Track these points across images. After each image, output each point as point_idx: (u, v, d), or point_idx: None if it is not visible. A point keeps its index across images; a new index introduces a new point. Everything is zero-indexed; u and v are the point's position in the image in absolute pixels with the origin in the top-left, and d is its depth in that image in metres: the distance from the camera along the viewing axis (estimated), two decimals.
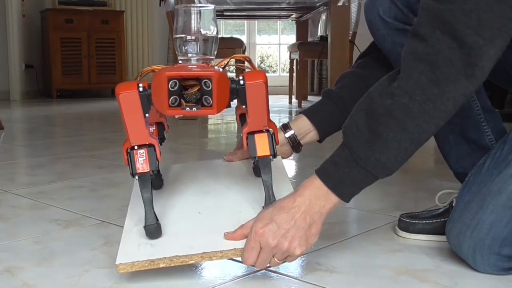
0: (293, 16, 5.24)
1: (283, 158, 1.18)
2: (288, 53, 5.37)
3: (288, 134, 1.17)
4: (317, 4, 4.03)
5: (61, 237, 1.17)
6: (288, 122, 1.19)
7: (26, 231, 1.20)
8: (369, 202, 1.46)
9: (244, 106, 0.95)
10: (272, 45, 7.53)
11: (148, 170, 0.93)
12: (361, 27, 4.46)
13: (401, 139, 0.88)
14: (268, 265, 0.93)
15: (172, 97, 0.88)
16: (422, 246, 1.10)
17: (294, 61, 5.21)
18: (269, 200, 0.97)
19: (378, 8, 1.07)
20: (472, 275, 0.95)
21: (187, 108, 0.90)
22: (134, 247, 0.94)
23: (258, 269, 0.95)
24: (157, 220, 0.95)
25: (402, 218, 1.16)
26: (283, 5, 4.18)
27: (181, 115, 0.92)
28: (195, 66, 0.92)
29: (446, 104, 0.86)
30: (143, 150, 0.93)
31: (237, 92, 0.93)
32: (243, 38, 6.52)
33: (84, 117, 4.08)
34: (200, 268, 0.98)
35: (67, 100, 5.58)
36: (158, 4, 4.48)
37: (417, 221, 1.14)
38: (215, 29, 0.95)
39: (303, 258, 1.04)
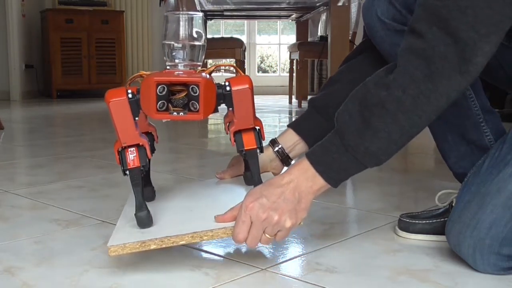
0: (293, 16, 5.24)
1: (274, 174, 1.19)
2: (288, 53, 5.37)
3: (276, 149, 1.19)
4: (317, 4, 4.03)
5: (61, 237, 1.17)
6: (275, 138, 1.21)
7: (26, 231, 1.21)
8: (369, 202, 1.46)
9: (230, 109, 0.99)
10: (272, 45, 7.53)
11: (138, 165, 0.97)
12: (361, 27, 4.46)
13: (391, 131, 0.89)
14: (260, 244, 0.95)
15: (160, 102, 0.92)
16: (422, 246, 1.10)
17: (294, 61, 5.21)
18: (257, 183, 1.01)
19: (376, 9, 1.07)
20: (472, 275, 0.95)
21: (174, 113, 0.93)
22: (125, 234, 0.96)
23: (250, 247, 0.96)
24: (148, 209, 0.97)
25: (402, 218, 1.16)
26: (283, 5, 4.18)
27: (168, 119, 0.94)
28: (183, 72, 0.94)
29: (439, 99, 0.87)
30: (134, 148, 0.97)
31: (224, 97, 0.97)
32: (243, 38, 6.52)
33: (84, 117, 4.08)
34: (199, 268, 0.98)
35: (67, 100, 5.58)
36: (158, 4, 4.49)
37: (417, 221, 1.14)
38: (203, 36, 0.97)
39: (303, 258, 1.04)
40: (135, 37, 6.34)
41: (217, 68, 1.01)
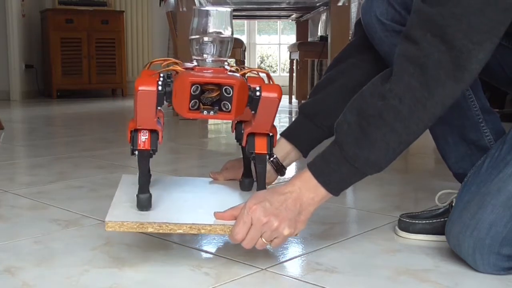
0: (293, 16, 5.23)
1: (266, 183, 1.19)
2: (288, 53, 5.37)
3: (270, 159, 1.19)
4: (317, 4, 4.03)
5: (61, 237, 1.17)
6: None
7: (26, 231, 1.20)
8: (369, 202, 1.46)
9: (253, 112, 0.99)
10: (272, 45, 7.53)
11: (148, 148, 0.98)
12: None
13: (390, 140, 0.90)
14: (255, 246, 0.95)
15: (192, 101, 0.92)
16: (422, 246, 1.10)
17: (294, 61, 5.20)
18: (261, 189, 1.02)
19: (375, 10, 1.07)
20: (472, 275, 0.95)
21: (205, 112, 0.93)
22: (123, 212, 0.97)
23: (245, 248, 0.96)
24: (150, 193, 0.99)
25: (402, 218, 1.16)
26: (283, 5, 4.17)
27: (199, 118, 0.95)
28: (213, 70, 0.94)
29: (435, 107, 0.88)
30: (147, 131, 0.98)
31: (252, 100, 0.97)
32: (243, 38, 6.52)
33: (84, 117, 4.08)
34: (199, 268, 0.98)
35: (67, 100, 5.58)
36: (158, 4, 4.48)
37: (417, 221, 1.14)
38: (231, 31, 0.97)
39: (303, 258, 1.04)
40: (135, 37, 6.34)
41: (251, 72, 1.01)
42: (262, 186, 1.03)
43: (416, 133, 0.91)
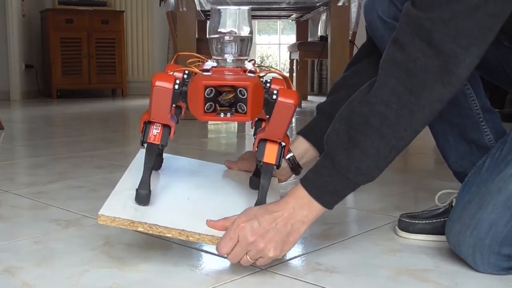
0: (293, 16, 5.23)
1: (280, 181, 1.19)
2: (288, 53, 5.37)
3: (287, 157, 1.18)
4: (317, 4, 4.02)
5: (61, 237, 1.17)
6: None
7: (26, 231, 1.20)
8: (369, 202, 1.46)
9: (268, 116, 0.97)
10: (272, 45, 7.54)
11: (158, 143, 0.98)
12: (361, 27, 4.46)
13: (379, 147, 0.89)
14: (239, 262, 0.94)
15: (207, 104, 0.91)
16: (422, 246, 1.10)
17: (294, 61, 5.21)
18: (260, 203, 0.99)
19: (377, 8, 1.07)
20: (472, 275, 0.95)
21: (222, 114, 0.93)
22: (119, 206, 0.98)
23: (230, 262, 0.96)
24: (150, 189, 0.99)
25: (402, 218, 1.16)
26: (283, 5, 4.17)
27: (216, 121, 0.94)
28: (231, 72, 0.93)
29: (423, 111, 0.87)
30: (160, 125, 0.98)
31: (268, 103, 0.96)
32: None
33: (84, 117, 4.08)
34: (199, 268, 0.98)
35: (67, 100, 5.58)
36: (158, 4, 4.48)
37: (417, 221, 1.14)
38: (250, 29, 0.97)
39: (303, 258, 1.04)
40: (135, 37, 6.34)
41: (269, 73, 1.00)
42: (262, 200, 1.00)
43: (405, 138, 0.89)
